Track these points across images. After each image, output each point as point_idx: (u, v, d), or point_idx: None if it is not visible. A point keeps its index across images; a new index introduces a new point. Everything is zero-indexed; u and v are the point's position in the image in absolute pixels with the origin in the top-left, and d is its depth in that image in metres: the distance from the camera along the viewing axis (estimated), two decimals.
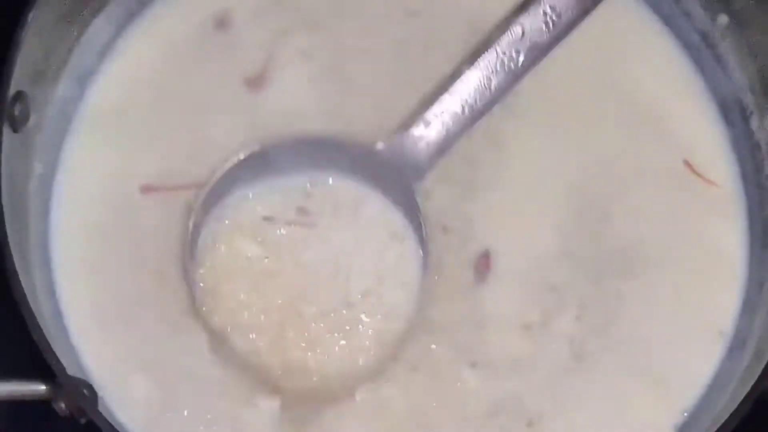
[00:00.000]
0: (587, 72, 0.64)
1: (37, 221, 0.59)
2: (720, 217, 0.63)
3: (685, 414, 0.59)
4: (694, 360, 0.60)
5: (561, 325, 0.60)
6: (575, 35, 0.64)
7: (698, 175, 0.63)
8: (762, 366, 0.54)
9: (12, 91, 0.55)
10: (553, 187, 0.62)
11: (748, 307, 0.61)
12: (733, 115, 0.64)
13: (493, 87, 0.61)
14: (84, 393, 0.53)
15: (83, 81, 0.62)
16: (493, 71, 0.61)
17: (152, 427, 0.57)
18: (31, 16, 0.55)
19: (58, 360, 0.52)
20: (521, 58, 0.61)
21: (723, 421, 0.54)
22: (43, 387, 0.53)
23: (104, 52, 0.63)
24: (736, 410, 0.53)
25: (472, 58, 0.62)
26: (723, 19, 0.64)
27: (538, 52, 0.62)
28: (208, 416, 0.58)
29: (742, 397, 0.54)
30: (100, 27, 0.62)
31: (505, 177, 0.62)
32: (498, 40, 0.61)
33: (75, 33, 0.61)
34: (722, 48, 0.64)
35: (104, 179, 0.62)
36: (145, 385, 0.58)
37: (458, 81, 0.61)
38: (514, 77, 0.62)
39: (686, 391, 0.59)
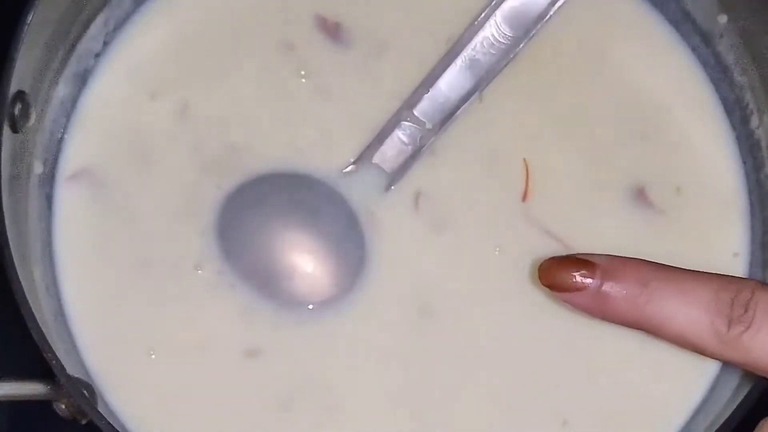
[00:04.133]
0: (586, 73, 0.64)
1: (37, 221, 0.59)
2: (719, 216, 0.63)
3: None
4: (695, 358, 0.60)
5: None
6: (574, 36, 0.64)
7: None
8: None
9: (12, 91, 0.55)
10: None
11: None
12: (733, 114, 0.64)
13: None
14: (84, 393, 0.53)
15: (83, 81, 0.62)
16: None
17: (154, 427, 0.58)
18: (31, 16, 0.55)
19: (58, 360, 0.51)
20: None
21: (723, 420, 0.54)
22: (43, 387, 0.53)
23: (104, 51, 0.63)
24: (737, 410, 0.53)
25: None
26: (723, 18, 0.64)
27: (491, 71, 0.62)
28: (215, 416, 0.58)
29: (743, 397, 0.54)
30: (100, 27, 0.62)
31: None
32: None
33: (75, 33, 0.61)
34: (722, 47, 0.64)
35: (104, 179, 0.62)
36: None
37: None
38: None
39: (687, 390, 0.60)
